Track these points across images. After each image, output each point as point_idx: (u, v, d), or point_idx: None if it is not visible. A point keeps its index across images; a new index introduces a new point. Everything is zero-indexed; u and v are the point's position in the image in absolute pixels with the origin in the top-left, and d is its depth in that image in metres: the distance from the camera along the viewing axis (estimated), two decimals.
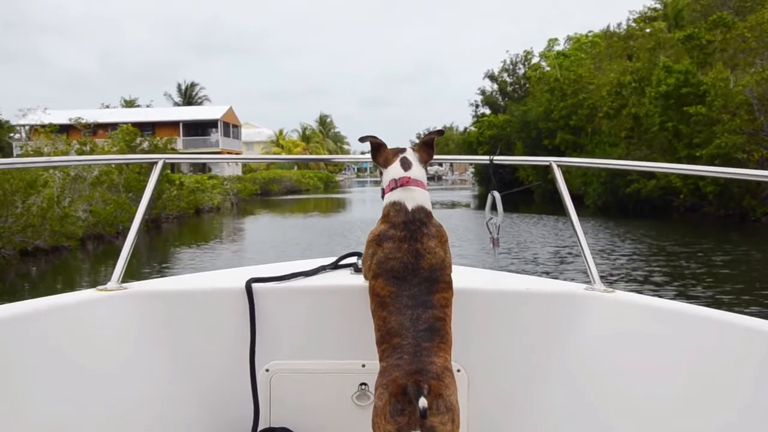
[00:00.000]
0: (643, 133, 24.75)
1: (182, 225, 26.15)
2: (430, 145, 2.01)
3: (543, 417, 2.11)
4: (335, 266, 2.38)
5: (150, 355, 2.08)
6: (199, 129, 58.98)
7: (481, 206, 35.98)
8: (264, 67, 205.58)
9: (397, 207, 1.83)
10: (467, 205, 36.22)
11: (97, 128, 56.46)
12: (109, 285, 2.12)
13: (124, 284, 2.15)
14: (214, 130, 58.67)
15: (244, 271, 2.32)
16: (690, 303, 2.31)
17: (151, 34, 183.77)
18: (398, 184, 1.88)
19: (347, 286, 2.16)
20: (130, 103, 71.22)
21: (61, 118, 33.99)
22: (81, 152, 19.64)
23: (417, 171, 1.92)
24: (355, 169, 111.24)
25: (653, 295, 2.51)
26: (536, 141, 39.22)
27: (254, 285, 2.10)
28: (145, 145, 23.97)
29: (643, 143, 24.84)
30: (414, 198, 1.84)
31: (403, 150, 1.99)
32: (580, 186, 29.75)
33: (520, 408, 2.13)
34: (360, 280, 2.04)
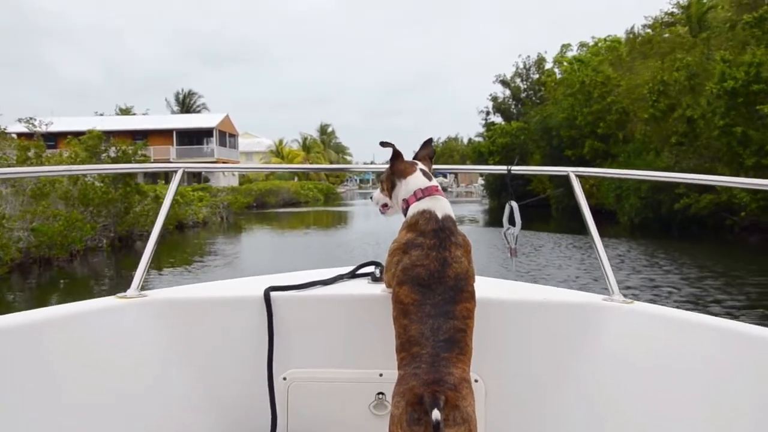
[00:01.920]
0: (694, 139, 21.13)
1: (159, 242, 22.61)
2: (431, 157, 2.10)
3: (560, 427, 2.09)
4: (353, 275, 2.38)
5: (168, 362, 2.09)
6: (193, 138, 56.51)
7: (492, 222, 32.95)
8: (267, 77, 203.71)
9: (427, 215, 1.83)
10: (475, 221, 32.64)
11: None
12: (129, 292, 2.14)
13: (144, 292, 2.17)
14: (209, 139, 56.04)
15: (262, 280, 2.32)
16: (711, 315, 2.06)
17: (156, 44, 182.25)
18: (425, 193, 1.90)
19: (365, 295, 2.16)
20: (125, 112, 68.98)
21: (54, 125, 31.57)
22: (22, 159, 16.01)
23: (436, 182, 1.96)
24: (357, 181, 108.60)
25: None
26: (557, 151, 35.65)
27: (272, 293, 2.10)
28: (111, 151, 20.37)
29: (696, 151, 21.22)
30: (443, 207, 1.86)
31: (416, 162, 2.01)
32: (613, 201, 26.11)
33: (537, 418, 2.12)
34: (378, 290, 2.12)
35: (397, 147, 2.00)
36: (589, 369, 2.07)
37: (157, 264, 18.45)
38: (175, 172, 2.40)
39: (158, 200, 22.74)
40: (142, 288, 2.18)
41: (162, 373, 2.07)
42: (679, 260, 15.86)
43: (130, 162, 20.12)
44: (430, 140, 2.16)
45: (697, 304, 10.46)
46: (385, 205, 2.13)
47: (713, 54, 21.21)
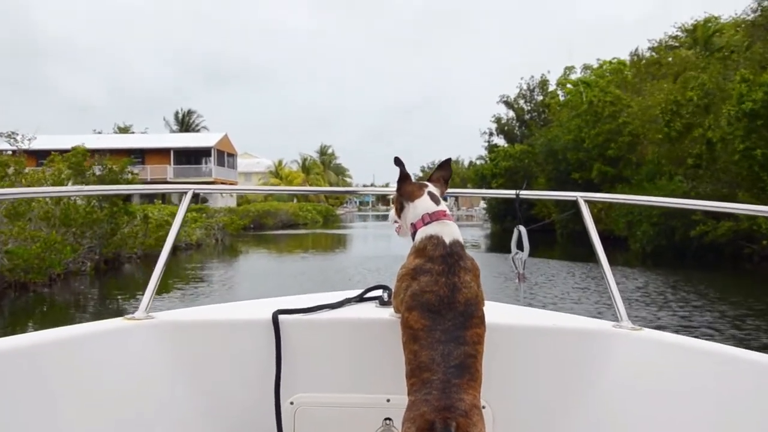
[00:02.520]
0: (712, 162, 20.09)
1: (148, 265, 21.54)
2: (446, 180, 2.06)
3: None
4: (360, 299, 2.36)
5: (175, 384, 2.08)
6: (191, 157, 55.75)
7: (495, 247, 31.78)
8: (268, 98, 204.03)
9: (434, 241, 1.81)
10: (477, 246, 31.49)
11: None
12: (137, 314, 2.14)
13: (152, 314, 2.16)
14: (208, 158, 55.27)
15: (270, 302, 2.29)
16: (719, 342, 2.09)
17: (158, 64, 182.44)
18: (432, 218, 1.87)
19: (373, 319, 2.14)
20: (124, 130, 68.51)
21: (48, 143, 30.85)
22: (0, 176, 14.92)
23: (444, 205, 1.93)
24: (357, 203, 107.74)
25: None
26: (563, 174, 34.62)
27: (281, 317, 2.09)
28: (96, 169, 19.28)
29: (713, 175, 20.15)
30: (450, 232, 1.83)
31: (426, 185, 1.98)
32: (624, 227, 25.02)
33: None
34: (386, 314, 2.11)
35: (405, 169, 2.00)
36: (597, 396, 2.06)
37: (137, 288, 17.48)
38: (185, 193, 2.36)
39: (147, 220, 21.72)
40: (150, 310, 2.17)
41: (169, 395, 2.06)
42: (706, 292, 14.79)
43: (117, 180, 19.07)
44: (448, 161, 2.12)
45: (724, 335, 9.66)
46: (399, 226, 2.07)
47: (730, 74, 20.29)
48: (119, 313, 12.21)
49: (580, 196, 2.35)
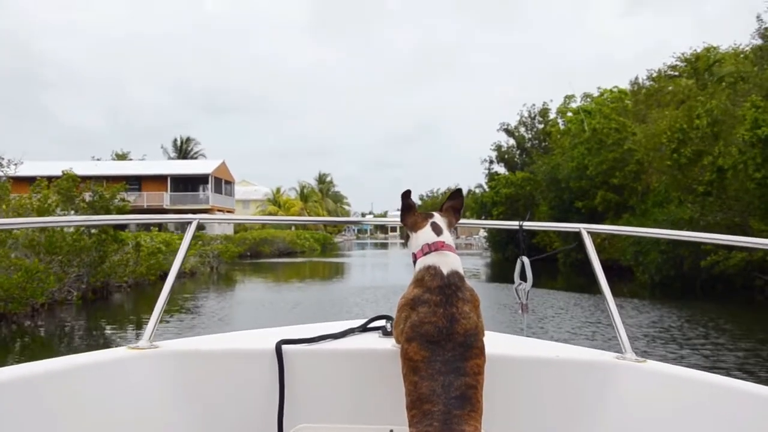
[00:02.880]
0: (722, 191, 19.46)
1: (139, 294, 20.73)
2: (457, 209, 2.05)
3: None
4: (364, 329, 2.35)
5: (178, 414, 2.06)
6: (189, 184, 55.29)
7: (496, 277, 30.98)
8: (268, 127, 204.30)
9: (432, 271, 1.81)
10: (476, 276, 30.70)
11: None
12: (141, 343, 2.12)
13: (156, 343, 2.15)
14: (205, 185, 54.79)
15: (273, 332, 2.29)
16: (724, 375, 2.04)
17: (159, 93, 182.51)
18: (432, 248, 1.88)
19: (376, 349, 2.14)
20: (122, 157, 68.17)
21: (41, 169, 30.28)
22: None
23: (447, 236, 1.93)
24: (356, 231, 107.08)
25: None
26: (566, 202, 34.01)
27: (284, 347, 2.09)
28: (87, 195, 18.55)
29: (724, 203, 19.50)
30: (448, 263, 1.83)
31: (432, 215, 1.99)
32: (631, 257, 24.28)
33: None
34: (389, 344, 2.11)
35: (412, 200, 2.01)
36: (601, 428, 2.03)
37: (126, 319, 16.71)
38: (190, 223, 2.39)
39: (139, 248, 20.97)
40: (154, 339, 2.16)
41: (171, 425, 2.03)
42: (726, 327, 14.04)
43: (107, 206, 18.33)
44: (459, 191, 2.13)
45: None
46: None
47: (739, 100, 19.78)
48: (105, 346, 11.41)
49: (583, 228, 2.34)
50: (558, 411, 2.09)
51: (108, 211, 18.03)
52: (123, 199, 19.50)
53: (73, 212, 17.64)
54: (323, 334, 2.22)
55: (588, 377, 2.10)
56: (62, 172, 18.65)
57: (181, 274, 26.40)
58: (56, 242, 15.45)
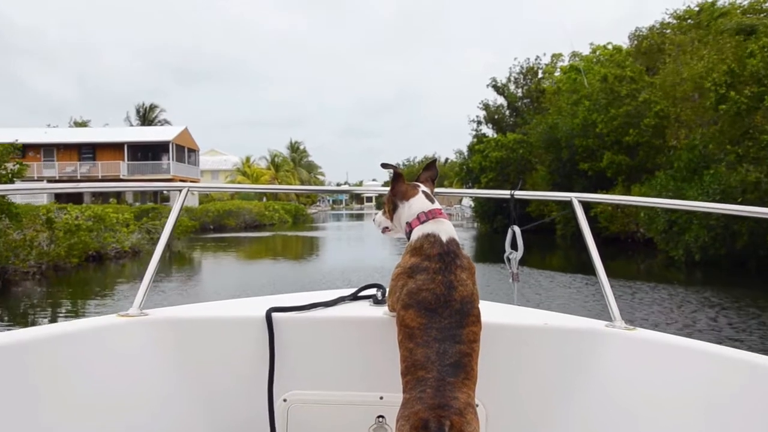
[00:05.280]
0: None
1: (55, 282, 16.37)
2: (433, 179, 2.08)
3: None
4: (355, 297, 2.36)
5: (168, 381, 2.08)
6: (148, 152, 50.51)
7: (486, 252, 26.77)
8: (241, 96, 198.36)
9: (431, 239, 1.82)
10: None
11: (26, 149, 48.36)
12: (131, 311, 2.14)
13: (146, 310, 2.16)
14: (167, 154, 50.13)
15: (264, 300, 2.31)
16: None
17: (130, 60, 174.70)
18: (429, 216, 1.88)
19: (367, 317, 2.15)
20: (81, 125, 63.29)
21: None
22: None
23: (438, 204, 1.94)
24: (330, 201, 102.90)
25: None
26: (567, 165, 30.02)
27: (274, 314, 2.09)
28: None
29: None
30: (446, 230, 1.84)
31: (418, 185, 2.00)
32: (663, 228, 20.19)
33: None
34: (379, 312, 2.13)
35: (400, 168, 1.98)
36: (590, 394, 2.06)
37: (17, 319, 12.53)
38: (180, 191, 2.40)
39: (52, 224, 16.49)
40: (143, 307, 2.16)
41: (162, 392, 2.05)
42: None
43: None
44: (433, 161, 2.14)
45: None
46: (386, 228, 2.08)
47: None
48: None
49: (574, 197, 2.34)
50: (548, 378, 2.10)
51: None
52: (19, 163, 14.87)
53: None
54: (314, 302, 2.21)
55: (577, 345, 2.11)
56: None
57: (120, 255, 22.14)
58: None
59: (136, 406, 1.95)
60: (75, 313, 12.67)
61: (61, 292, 15.65)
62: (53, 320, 11.47)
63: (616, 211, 24.80)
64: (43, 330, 1.85)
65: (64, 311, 13.12)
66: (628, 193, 23.28)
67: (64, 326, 1.90)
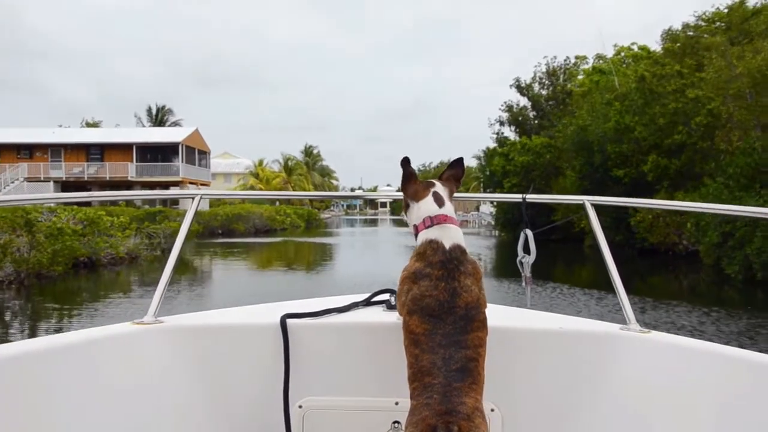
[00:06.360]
0: None
1: (42, 290, 14.62)
2: (458, 179, 1.99)
3: None
4: (368, 303, 2.35)
5: (184, 388, 2.05)
6: (158, 154, 49.10)
7: (503, 268, 24.43)
8: (259, 101, 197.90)
9: (434, 245, 1.78)
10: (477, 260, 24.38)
11: (33, 149, 47.18)
12: (146, 318, 2.11)
13: (160, 318, 2.14)
14: (176, 156, 48.71)
15: (277, 307, 2.28)
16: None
17: (151, 66, 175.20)
18: (434, 221, 1.83)
19: (380, 323, 2.13)
20: (93, 126, 62.36)
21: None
22: None
23: (449, 207, 1.88)
24: (344, 206, 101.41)
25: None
26: (599, 171, 27.85)
27: (289, 321, 2.08)
28: None
29: None
30: (451, 236, 1.80)
31: (433, 183, 1.93)
32: (714, 245, 17.96)
33: None
34: (393, 317, 2.08)
35: (413, 168, 1.93)
36: (605, 398, 2.03)
37: None
38: (192, 198, 2.39)
39: (32, 227, 14.72)
40: (158, 314, 2.14)
41: (177, 399, 2.03)
42: None
43: None
44: (460, 159, 2.04)
45: None
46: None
47: None
48: None
49: (587, 200, 2.33)
50: (563, 382, 2.08)
51: None
52: None
53: None
54: (328, 308, 2.20)
55: (592, 348, 2.09)
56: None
57: (115, 261, 20.27)
58: None
59: (150, 413, 1.93)
60: (60, 328, 10.91)
61: (42, 303, 13.87)
62: (32, 335, 9.69)
63: (657, 221, 22.68)
64: (57, 339, 1.84)
65: (44, 326, 11.37)
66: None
67: (77, 335, 1.89)
